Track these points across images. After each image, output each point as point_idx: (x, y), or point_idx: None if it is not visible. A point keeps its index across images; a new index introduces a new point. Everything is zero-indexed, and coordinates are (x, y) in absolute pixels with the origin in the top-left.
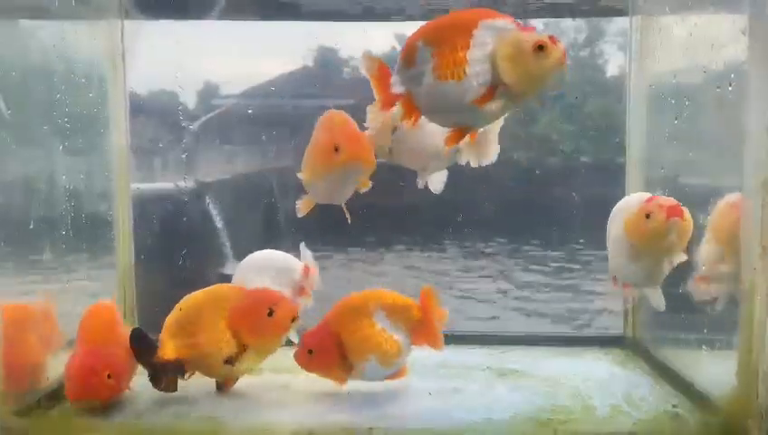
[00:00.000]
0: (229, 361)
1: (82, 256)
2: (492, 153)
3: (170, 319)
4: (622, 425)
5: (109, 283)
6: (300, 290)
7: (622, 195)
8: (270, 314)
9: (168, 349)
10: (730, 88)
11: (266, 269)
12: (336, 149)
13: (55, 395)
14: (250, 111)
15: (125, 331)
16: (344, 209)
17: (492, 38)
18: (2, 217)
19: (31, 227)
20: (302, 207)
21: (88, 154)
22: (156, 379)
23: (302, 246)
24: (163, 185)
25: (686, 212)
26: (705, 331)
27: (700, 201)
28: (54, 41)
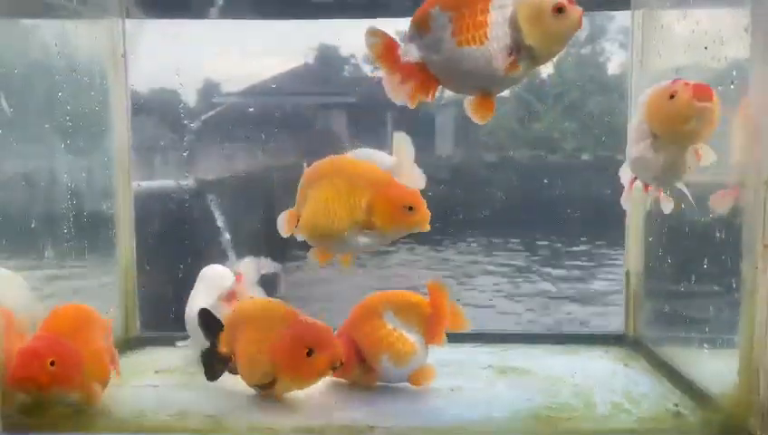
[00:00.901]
0: (262, 386)
1: (84, 254)
2: (418, 179)
3: (228, 315)
4: (623, 423)
5: (110, 280)
6: (230, 295)
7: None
8: (309, 353)
9: (222, 341)
10: (732, 85)
11: (201, 279)
12: (410, 208)
13: None
14: (251, 110)
15: (99, 336)
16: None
17: (510, 0)
18: (4, 215)
19: (33, 225)
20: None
21: (89, 152)
22: (203, 362)
23: (249, 259)
24: (164, 182)
25: (716, 97)
26: (707, 329)
27: (702, 198)
28: (56, 40)
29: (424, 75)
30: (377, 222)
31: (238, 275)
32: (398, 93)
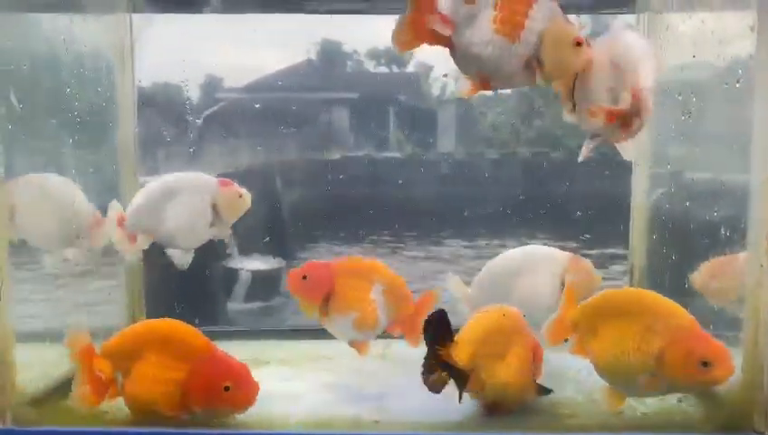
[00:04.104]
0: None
1: (92, 250)
2: None
3: (480, 323)
4: (628, 419)
5: (116, 277)
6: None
7: (628, 191)
8: (705, 364)
9: (463, 352)
10: (738, 85)
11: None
12: (705, 364)
13: (66, 386)
14: (257, 106)
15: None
16: None
17: (545, 15)
18: None
19: None
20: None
21: (96, 147)
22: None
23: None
24: None
25: None
26: (711, 326)
27: (706, 197)
28: (64, 34)
29: (443, 35)
30: (666, 373)
31: (96, 217)
32: (407, 35)
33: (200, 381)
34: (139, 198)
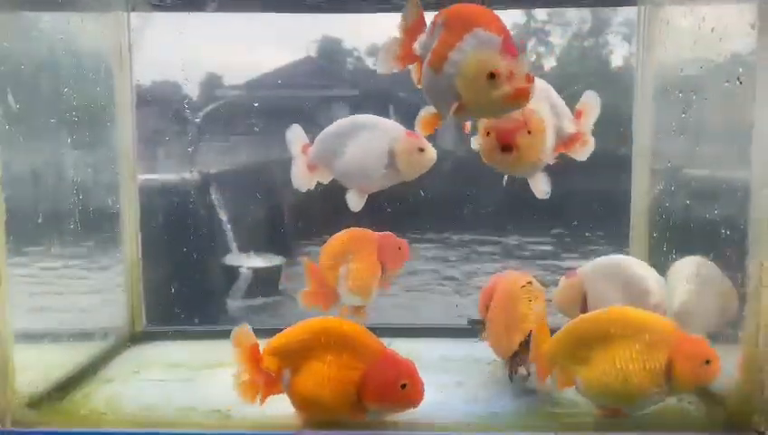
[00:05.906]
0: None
1: (90, 250)
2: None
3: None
4: (627, 419)
5: (116, 275)
6: None
7: (628, 187)
8: (707, 362)
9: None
10: (739, 82)
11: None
12: (707, 362)
13: (64, 387)
14: (256, 105)
15: None
16: None
17: (471, 49)
18: (10, 212)
19: (39, 221)
20: None
21: (95, 147)
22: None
23: None
24: (167, 176)
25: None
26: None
27: (707, 195)
28: (62, 34)
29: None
30: (677, 382)
31: None
32: (387, 61)
33: (378, 380)
34: (326, 129)
